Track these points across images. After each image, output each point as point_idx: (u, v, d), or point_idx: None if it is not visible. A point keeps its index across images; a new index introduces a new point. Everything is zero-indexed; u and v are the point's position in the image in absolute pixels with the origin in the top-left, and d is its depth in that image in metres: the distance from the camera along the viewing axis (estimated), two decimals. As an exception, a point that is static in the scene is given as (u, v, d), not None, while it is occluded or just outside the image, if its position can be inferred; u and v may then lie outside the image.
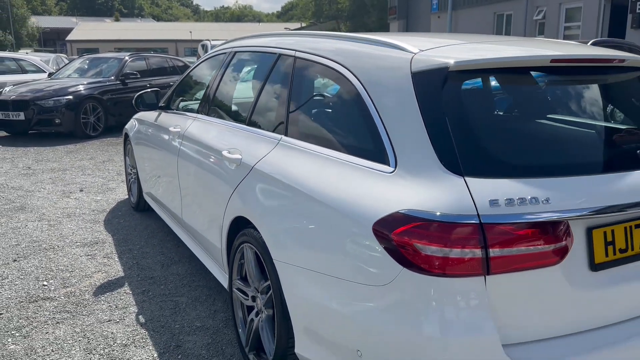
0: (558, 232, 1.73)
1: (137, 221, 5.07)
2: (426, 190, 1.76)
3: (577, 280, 1.80)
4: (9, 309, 3.33)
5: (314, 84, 2.61)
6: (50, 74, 11.65)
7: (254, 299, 2.63)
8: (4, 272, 3.90)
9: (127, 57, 11.22)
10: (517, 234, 1.68)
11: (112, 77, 10.61)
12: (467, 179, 1.73)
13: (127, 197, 5.78)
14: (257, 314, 2.61)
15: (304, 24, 61.52)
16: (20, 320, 3.19)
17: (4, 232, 4.76)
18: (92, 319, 3.22)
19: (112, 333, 3.07)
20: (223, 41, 4.36)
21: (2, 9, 58.89)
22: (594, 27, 15.20)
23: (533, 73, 2.18)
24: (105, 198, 5.92)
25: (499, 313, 1.70)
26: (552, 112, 2.23)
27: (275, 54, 2.92)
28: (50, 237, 4.63)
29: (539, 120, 2.16)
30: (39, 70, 12.27)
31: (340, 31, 46.21)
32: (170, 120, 4.03)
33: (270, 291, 2.39)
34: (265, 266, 2.40)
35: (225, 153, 2.85)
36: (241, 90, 3.37)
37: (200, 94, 3.87)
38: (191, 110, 3.83)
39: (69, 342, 2.97)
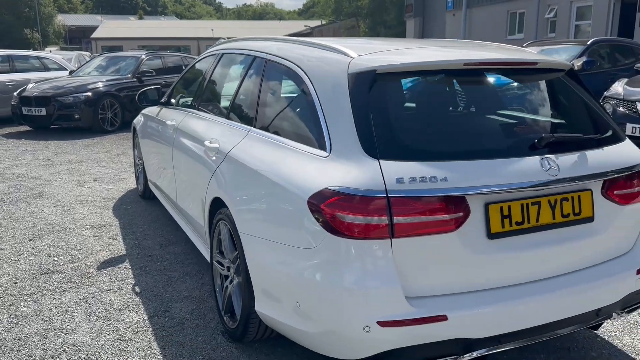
0: (454, 205, 2.11)
1: (143, 207, 5.53)
2: (349, 170, 2.15)
3: (475, 245, 2.17)
4: (22, 279, 3.81)
5: (278, 82, 3.01)
6: (71, 72, 12.24)
7: (228, 269, 3.04)
8: (20, 249, 4.39)
9: (143, 56, 11.75)
10: (417, 205, 2.06)
11: (129, 75, 11.15)
12: (381, 161, 2.12)
13: (135, 186, 6.26)
14: (231, 282, 3.02)
15: (324, 22, 61.86)
16: (32, 289, 3.67)
17: (23, 216, 5.26)
18: (94, 289, 3.67)
19: (110, 300, 3.52)
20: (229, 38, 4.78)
21: (30, 7, 60.28)
22: (603, 25, 15.31)
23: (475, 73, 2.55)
24: (116, 187, 6.41)
25: (404, 270, 2.09)
26: (460, 107, 2.60)
27: (252, 56, 3.33)
28: (63, 221, 5.12)
29: (446, 114, 2.53)
30: (61, 68, 12.88)
31: (359, 28, 46.03)
32: (168, 115, 4.48)
33: (238, 260, 2.81)
34: (234, 239, 2.82)
35: (207, 143, 3.27)
36: (224, 87, 3.79)
37: (193, 91, 4.31)
38: (186, 106, 4.27)
39: (73, 306, 3.42)
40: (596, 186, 2.42)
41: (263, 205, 2.57)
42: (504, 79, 2.64)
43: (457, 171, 2.15)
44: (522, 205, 2.25)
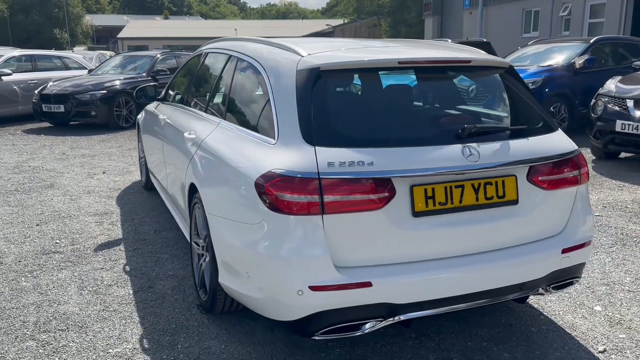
0: (380, 186, 2.39)
1: (144, 197, 5.91)
2: (290, 156, 2.45)
3: (400, 222, 2.45)
4: (26, 258, 4.20)
5: (245, 79, 3.32)
6: (90, 71, 12.75)
7: (203, 247, 3.37)
8: (27, 232, 4.79)
9: (158, 55, 12.20)
10: (345, 186, 2.35)
11: (144, 74, 11.59)
12: (316, 148, 2.41)
13: (140, 178, 6.64)
14: (205, 259, 3.35)
15: (346, 20, 62.06)
16: (33, 266, 4.05)
17: (33, 204, 5.68)
18: (89, 267, 4.04)
19: (101, 277, 3.88)
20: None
21: (59, 8, 61.78)
22: (616, 22, 15.28)
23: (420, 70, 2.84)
24: (122, 179, 6.81)
25: (334, 242, 2.37)
26: (393, 100, 2.87)
27: (227, 54, 3.65)
28: (69, 208, 5.52)
29: (378, 106, 2.79)
30: (81, 67, 13.42)
31: (380, 27, 46.01)
32: (162, 109, 4.84)
33: (208, 238, 3.13)
34: (205, 219, 3.14)
35: (186, 134, 3.60)
36: (205, 83, 4.12)
37: (182, 87, 4.66)
38: (176, 101, 4.62)
39: (67, 282, 3.79)
40: (521, 172, 2.67)
41: (223, 188, 2.89)
42: (441, 75, 2.90)
43: (384, 156, 2.43)
44: (445, 187, 2.52)
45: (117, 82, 11.04)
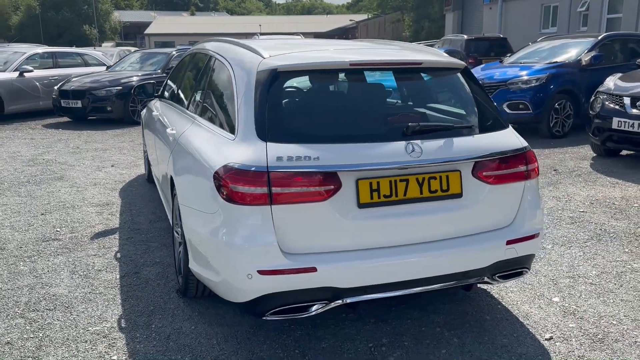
0: (326, 179, 2.59)
1: (145, 189, 6.20)
2: (244, 151, 2.67)
3: (346, 213, 2.64)
4: (27, 245, 4.51)
5: (218, 78, 3.53)
6: (107, 67, 13.16)
7: (181, 236, 3.61)
8: (32, 221, 5.11)
9: (173, 52, 12.53)
10: (292, 179, 2.56)
11: (159, 70, 11.93)
12: (268, 144, 2.62)
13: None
14: (181, 247, 3.59)
15: (370, 16, 61.97)
16: (32, 252, 4.35)
17: (42, 195, 6.02)
18: (83, 254, 4.32)
19: (93, 262, 4.16)
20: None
21: (88, 4, 63.00)
22: (634, 17, 15.10)
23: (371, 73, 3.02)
24: (129, 172, 7.12)
25: (282, 230, 2.58)
26: (343, 100, 3.05)
27: (207, 55, 3.88)
28: (74, 199, 5.83)
29: (329, 105, 2.98)
30: (100, 64, 13.84)
31: (403, 22, 45.89)
32: (157, 106, 5.10)
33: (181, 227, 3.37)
34: (179, 209, 3.38)
35: (168, 130, 3.85)
36: (189, 82, 4.36)
37: (173, 85, 4.91)
38: (168, 99, 4.87)
39: (61, 266, 4.08)
40: (466, 167, 2.84)
41: (191, 181, 3.12)
42: (394, 76, 3.08)
43: (331, 152, 2.62)
44: (390, 181, 2.71)
45: (133, 79, 11.39)
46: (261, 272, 2.56)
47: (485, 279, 2.97)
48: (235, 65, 3.16)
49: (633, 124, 6.77)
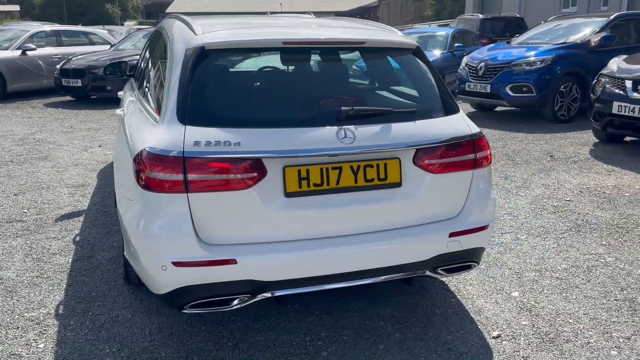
0: (248, 166, 2.43)
1: (125, 171, 6.12)
2: (162, 134, 2.52)
3: (271, 202, 2.49)
4: (-11, 226, 4.47)
5: (161, 56, 3.37)
6: (111, 46, 13.09)
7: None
8: (3, 201, 5.07)
9: (176, 31, 12.37)
10: (209, 165, 2.41)
11: (161, 49, 11.80)
12: (187, 127, 2.47)
13: (130, 152, 6.86)
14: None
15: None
16: (-8, 234, 4.31)
17: (20, 175, 5.98)
18: (42, 236, 4.26)
19: (50, 246, 4.09)
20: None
21: (110, -18, 63.22)
22: (656, -3, 14.46)
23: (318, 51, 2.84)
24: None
25: (200, 220, 2.44)
26: (273, 81, 2.87)
27: (160, 32, 3.72)
28: (51, 180, 5.78)
29: (256, 87, 2.81)
30: (105, 42, 13.79)
31: (425, 1, 45.19)
32: (125, 86, 4.98)
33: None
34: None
35: (118, 111, 3.73)
36: (144, 61, 4.22)
37: (138, 64, 4.78)
38: (134, 78, 4.74)
39: (17, 249, 4.02)
40: (406, 155, 2.66)
41: (121, 165, 3.00)
42: (330, 56, 2.88)
43: (254, 137, 2.46)
44: (321, 169, 2.54)
45: (135, 57, 11.27)
46: (176, 264, 2.43)
47: (427, 272, 2.80)
48: (172, 42, 3.01)
49: (634, 108, 6.45)
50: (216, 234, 2.48)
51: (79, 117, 9.68)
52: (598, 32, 9.31)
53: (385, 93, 2.99)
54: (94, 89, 10.97)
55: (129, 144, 2.84)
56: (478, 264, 2.95)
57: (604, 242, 4.09)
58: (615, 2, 16.26)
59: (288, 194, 2.51)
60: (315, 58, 2.88)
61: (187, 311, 2.56)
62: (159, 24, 4.33)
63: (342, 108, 2.57)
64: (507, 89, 8.89)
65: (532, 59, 8.89)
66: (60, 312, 3.17)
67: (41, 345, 2.85)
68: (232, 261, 2.45)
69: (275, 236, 2.53)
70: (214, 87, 2.66)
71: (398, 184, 2.65)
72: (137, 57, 10.92)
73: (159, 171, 2.42)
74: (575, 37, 9.45)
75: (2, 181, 5.73)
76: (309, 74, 3.00)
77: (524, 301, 3.26)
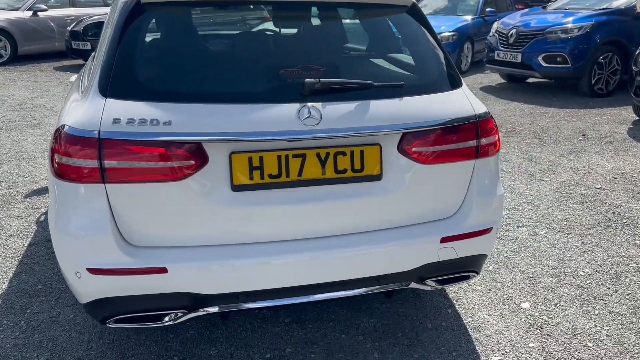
0: (182, 151, 1.93)
1: (115, 141, 5.70)
2: (80, 109, 2.04)
3: (213, 198, 2.00)
4: (-48, 201, 4.10)
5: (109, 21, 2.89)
6: (126, 8, 12.61)
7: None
8: (-24, 173, 4.71)
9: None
10: (131, 149, 1.91)
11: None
12: (107, 100, 1.97)
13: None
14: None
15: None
16: (-48, 210, 3.94)
17: (5, 143, 5.61)
18: (6, 214, 3.87)
19: (9, 225, 3.70)
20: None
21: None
22: None
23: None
24: (111, 121, 6.63)
25: (122, 217, 1.96)
26: (222, 46, 2.33)
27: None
28: (34, 150, 5.40)
29: (199, 53, 2.28)
30: (121, 4, 13.31)
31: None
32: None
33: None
34: None
35: (72, 78, 3.25)
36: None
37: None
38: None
39: (-27, 228, 3.65)
40: (389, 141, 2.12)
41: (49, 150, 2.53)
42: (299, 14, 2.32)
43: (192, 115, 1.96)
44: (279, 156, 2.03)
45: (147, 20, 10.81)
46: (92, 271, 1.97)
47: (413, 284, 2.30)
48: (113, 2, 2.50)
49: (682, 83, 5.70)
50: (143, 236, 2.00)
51: (85, 82, 9.30)
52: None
53: (370, 62, 2.42)
54: (104, 53, 10.54)
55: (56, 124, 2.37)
56: (478, 273, 2.43)
57: (638, 242, 3.50)
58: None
59: (235, 187, 2.01)
60: (279, 15, 2.32)
61: (111, 325, 2.11)
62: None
63: (306, 80, 2.02)
64: (540, 59, 8.13)
65: (569, 25, 8.08)
66: (-5, 308, 2.79)
67: (-40, 351, 2.47)
68: (162, 270, 1.98)
69: (218, 239, 2.05)
70: (144, 51, 2.15)
71: (378, 177, 2.13)
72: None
73: (70, 155, 1.95)
74: (619, 2, 8.57)
75: (-16, 150, 5.39)
76: (270, 36, 2.44)
77: (535, 315, 2.73)
